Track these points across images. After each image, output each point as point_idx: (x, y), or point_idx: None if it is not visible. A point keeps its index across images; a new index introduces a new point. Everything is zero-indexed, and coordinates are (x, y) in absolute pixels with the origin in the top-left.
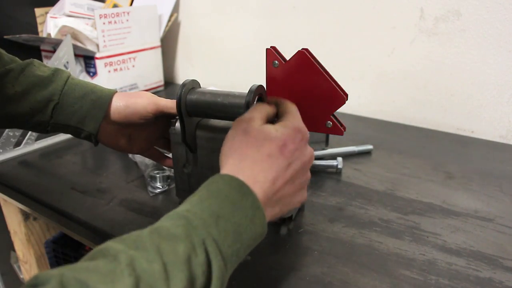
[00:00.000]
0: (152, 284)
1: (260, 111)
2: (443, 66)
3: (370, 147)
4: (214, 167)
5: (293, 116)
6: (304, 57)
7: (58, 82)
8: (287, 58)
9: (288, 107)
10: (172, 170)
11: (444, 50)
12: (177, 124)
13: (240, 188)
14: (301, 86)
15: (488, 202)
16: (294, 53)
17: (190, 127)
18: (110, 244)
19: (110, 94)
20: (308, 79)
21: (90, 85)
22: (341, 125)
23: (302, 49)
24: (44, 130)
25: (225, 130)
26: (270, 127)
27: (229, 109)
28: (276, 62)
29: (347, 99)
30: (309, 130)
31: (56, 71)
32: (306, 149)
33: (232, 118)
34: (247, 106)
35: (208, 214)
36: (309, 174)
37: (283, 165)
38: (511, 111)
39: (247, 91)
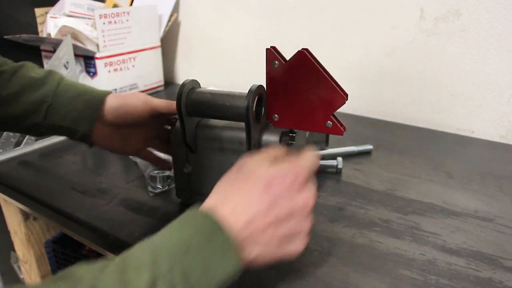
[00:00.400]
0: None
1: (265, 152)
2: (443, 66)
3: (370, 147)
4: (214, 167)
5: (296, 159)
6: (304, 57)
7: (51, 83)
8: (287, 58)
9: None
10: (172, 170)
11: (444, 50)
12: (177, 124)
13: (214, 224)
14: (301, 86)
15: (488, 202)
16: (294, 53)
17: (191, 127)
18: (76, 268)
19: (104, 95)
20: (308, 79)
21: (83, 86)
22: (341, 125)
23: (302, 49)
24: (38, 132)
25: (225, 129)
26: (262, 166)
27: (229, 109)
28: (276, 62)
29: (347, 99)
30: (309, 130)
31: (49, 73)
32: (299, 195)
33: (233, 118)
34: (247, 108)
35: (179, 245)
36: (305, 223)
37: (264, 205)
38: (511, 111)
39: (247, 91)
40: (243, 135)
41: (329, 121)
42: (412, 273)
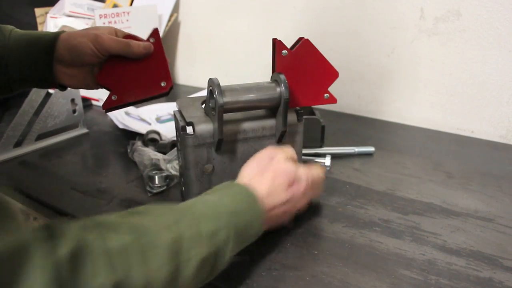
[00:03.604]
0: (184, 245)
1: (291, 150)
2: (443, 66)
3: (371, 149)
4: (237, 158)
5: (311, 168)
6: (309, 44)
7: (1, 38)
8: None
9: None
10: (172, 170)
11: (444, 50)
12: (197, 128)
13: (254, 198)
14: (304, 69)
15: (488, 202)
16: (295, 42)
17: (222, 126)
18: (151, 207)
19: (55, 38)
20: (310, 62)
21: (33, 34)
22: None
23: (301, 38)
24: (8, 89)
25: (246, 120)
26: (292, 165)
27: (264, 100)
28: (285, 51)
29: (338, 76)
30: (311, 104)
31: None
32: (304, 198)
33: (266, 107)
34: (285, 94)
35: (230, 208)
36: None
37: (284, 198)
38: (511, 111)
39: (274, 80)
40: (264, 122)
41: (326, 94)
42: (412, 273)
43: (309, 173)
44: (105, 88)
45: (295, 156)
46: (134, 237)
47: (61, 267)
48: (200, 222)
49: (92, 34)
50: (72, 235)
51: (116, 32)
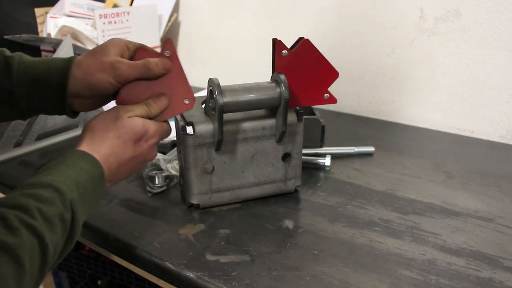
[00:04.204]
0: (39, 235)
1: (140, 108)
2: (443, 66)
3: (371, 149)
4: (237, 158)
5: (162, 126)
6: (309, 44)
7: (9, 70)
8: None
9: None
10: (172, 170)
11: (444, 50)
12: (189, 128)
13: (93, 162)
14: (304, 69)
15: (488, 202)
16: (295, 42)
17: (222, 126)
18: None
19: (65, 74)
20: (310, 62)
21: (39, 71)
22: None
23: (301, 38)
24: (21, 118)
25: (246, 120)
26: (138, 120)
27: (265, 100)
28: (285, 51)
29: (338, 76)
30: (311, 104)
31: (5, 60)
32: (154, 150)
33: (266, 107)
34: (285, 94)
35: (70, 182)
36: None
37: (131, 155)
38: (511, 111)
39: (274, 80)
40: (264, 122)
41: (326, 94)
42: (412, 273)
43: (159, 128)
44: None
45: (144, 112)
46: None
47: None
48: (44, 209)
49: (108, 66)
50: None
51: (127, 46)
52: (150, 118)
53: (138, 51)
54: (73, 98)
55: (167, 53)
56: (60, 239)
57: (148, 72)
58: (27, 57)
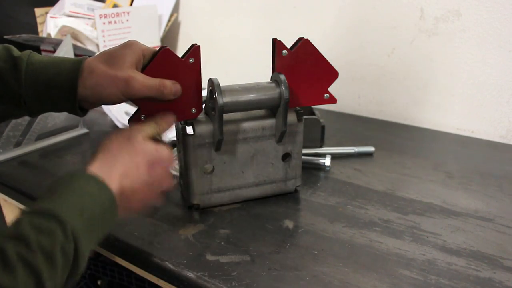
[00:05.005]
0: (38, 274)
1: (150, 127)
2: (443, 66)
3: (371, 149)
4: (237, 158)
5: (160, 151)
6: (309, 44)
7: (18, 76)
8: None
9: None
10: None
11: (444, 50)
12: (189, 128)
13: (102, 186)
14: (304, 69)
15: (488, 202)
16: (295, 42)
17: (222, 126)
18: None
19: (75, 83)
20: (310, 62)
21: (51, 73)
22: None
23: (301, 38)
24: (30, 116)
25: (246, 120)
26: (151, 144)
27: (264, 100)
28: (285, 51)
29: (338, 76)
30: (311, 104)
31: (15, 63)
32: (168, 177)
33: (266, 107)
34: (285, 94)
35: (74, 209)
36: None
37: (145, 179)
38: (511, 111)
39: (274, 81)
40: (264, 122)
41: (326, 94)
42: (412, 273)
43: (171, 153)
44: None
45: (154, 131)
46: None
47: None
48: (45, 243)
49: (122, 82)
50: None
51: (144, 54)
52: (159, 135)
53: (162, 52)
54: (83, 102)
55: (191, 60)
56: (61, 273)
57: (160, 96)
58: (35, 57)
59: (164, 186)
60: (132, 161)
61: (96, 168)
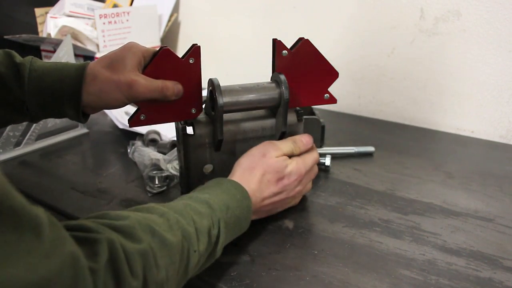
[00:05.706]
0: (190, 241)
1: (286, 146)
2: (443, 66)
3: (371, 149)
4: (237, 158)
5: (304, 157)
6: (309, 44)
7: (21, 84)
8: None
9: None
10: (172, 170)
11: (444, 50)
12: (189, 128)
13: (244, 193)
14: (304, 69)
15: (488, 202)
16: (295, 42)
17: (222, 126)
18: (153, 205)
19: (78, 89)
20: (310, 62)
21: (54, 80)
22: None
23: (301, 38)
24: (33, 122)
25: (246, 120)
26: (282, 162)
27: (264, 100)
28: (285, 51)
29: (338, 76)
30: (311, 104)
31: (18, 70)
32: (296, 187)
33: (266, 107)
34: (286, 94)
35: (222, 204)
36: (291, 195)
37: (275, 191)
38: (511, 111)
39: (274, 81)
40: (264, 122)
41: (326, 94)
42: (412, 273)
43: (301, 166)
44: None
45: (290, 150)
46: (148, 240)
47: (104, 275)
48: (197, 220)
49: (125, 85)
50: (103, 240)
51: (144, 56)
52: (295, 154)
53: (162, 53)
54: (83, 107)
55: (191, 60)
56: (203, 251)
57: (163, 97)
58: (37, 63)
59: (291, 194)
60: (263, 177)
61: (237, 179)
